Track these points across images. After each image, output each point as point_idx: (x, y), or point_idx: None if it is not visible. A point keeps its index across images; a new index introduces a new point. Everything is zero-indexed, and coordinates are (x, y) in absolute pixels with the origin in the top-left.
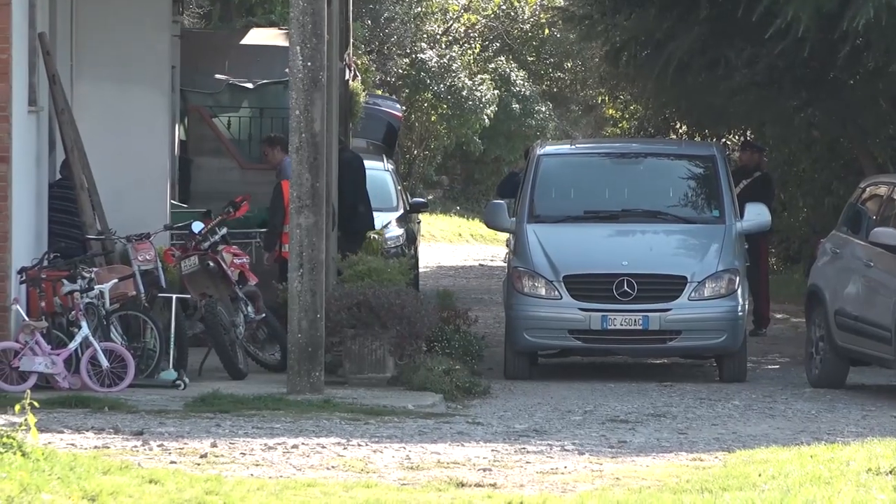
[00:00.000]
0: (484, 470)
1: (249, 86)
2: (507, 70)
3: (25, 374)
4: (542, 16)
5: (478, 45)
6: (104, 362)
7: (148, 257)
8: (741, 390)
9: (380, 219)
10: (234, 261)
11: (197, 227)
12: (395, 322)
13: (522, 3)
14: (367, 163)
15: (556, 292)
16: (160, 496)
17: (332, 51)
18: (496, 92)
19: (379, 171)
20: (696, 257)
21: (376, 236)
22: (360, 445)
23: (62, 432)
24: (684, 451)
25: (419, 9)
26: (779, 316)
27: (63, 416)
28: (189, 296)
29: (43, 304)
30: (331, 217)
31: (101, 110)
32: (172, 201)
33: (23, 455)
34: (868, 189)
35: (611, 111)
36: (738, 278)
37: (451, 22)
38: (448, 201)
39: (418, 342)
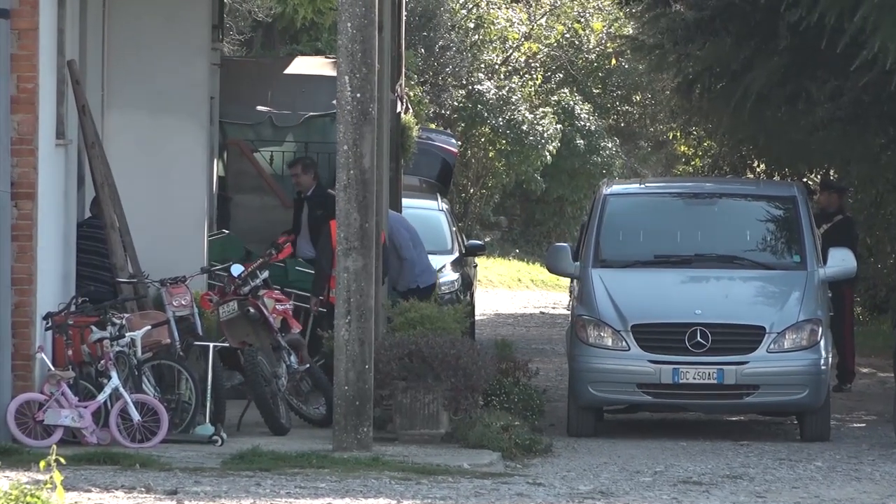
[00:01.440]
0: None
1: (294, 118)
2: (571, 103)
3: (51, 427)
4: (608, 45)
5: (539, 76)
6: (135, 416)
7: (183, 302)
8: (824, 450)
9: (434, 262)
10: (277, 307)
11: (237, 269)
12: (450, 374)
13: (588, 32)
14: (420, 202)
15: (624, 343)
16: None
17: (384, 81)
18: (559, 126)
19: (432, 212)
20: (775, 306)
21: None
22: None
23: (90, 491)
24: None
25: (476, 37)
26: (865, 370)
27: (91, 474)
28: (227, 344)
29: (70, 352)
30: (380, 261)
31: (133, 144)
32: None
33: None
34: None
35: (683, 148)
36: (820, 329)
37: (511, 51)
38: (506, 244)
39: (474, 396)
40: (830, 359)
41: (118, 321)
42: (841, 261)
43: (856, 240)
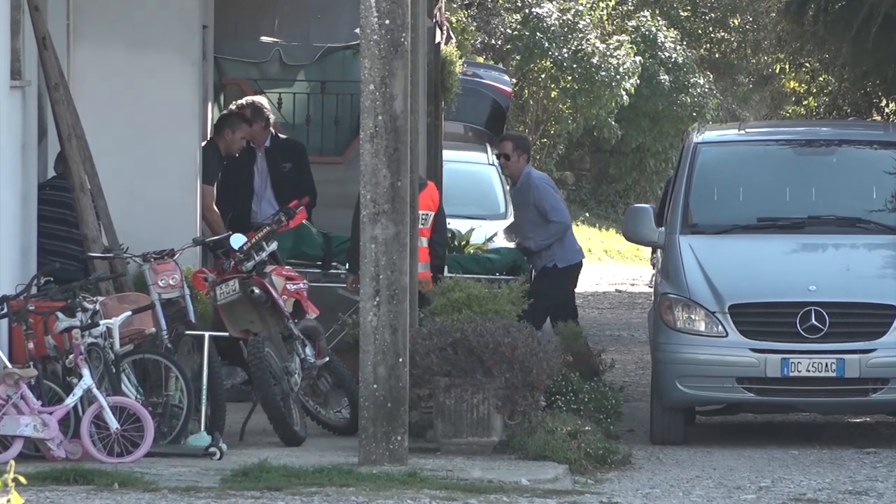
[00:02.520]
0: None
1: (307, 53)
2: (653, 29)
3: (7, 439)
4: None
5: None
6: (113, 423)
7: (171, 282)
8: None
9: (484, 229)
10: (288, 286)
11: (237, 241)
12: (504, 368)
13: None
14: (467, 154)
15: (721, 328)
16: None
17: (419, 5)
18: (638, 59)
19: (481, 166)
20: None
21: (478, 251)
22: None
23: None
24: None
25: None
26: None
27: (58, 496)
28: (227, 333)
29: (31, 345)
30: (416, 226)
31: (107, 85)
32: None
33: None
34: None
35: (792, 84)
36: None
37: None
38: (574, 205)
39: (535, 395)
40: None
41: (90, 306)
42: None
43: None
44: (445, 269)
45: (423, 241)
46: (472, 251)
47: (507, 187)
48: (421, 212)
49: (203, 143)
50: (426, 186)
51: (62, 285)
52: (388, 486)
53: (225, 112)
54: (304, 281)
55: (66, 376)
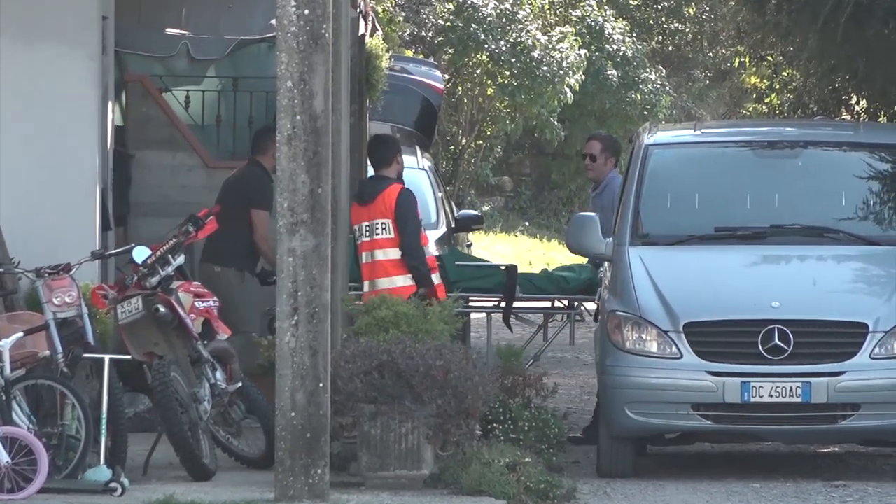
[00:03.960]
0: None
1: (217, 46)
2: (600, 20)
3: None
4: None
5: None
6: (3, 456)
7: (68, 300)
8: None
9: None
10: (197, 304)
11: (140, 254)
12: (436, 394)
13: None
14: None
15: (674, 348)
16: None
17: None
18: (583, 52)
19: (412, 171)
20: (881, 296)
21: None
22: None
23: None
24: None
25: None
26: None
27: None
28: (129, 356)
29: None
30: (342, 238)
31: None
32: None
33: None
34: None
35: (753, 79)
36: None
37: None
38: (512, 214)
39: (470, 423)
40: None
41: None
42: None
43: None
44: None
45: (389, 254)
46: (546, 269)
47: (440, 193)
48: (376, 221)
49: (245, 164)
50: (384, 190)
51: None
52: None
53: (262, 128)
54: (214, 298)
55: None
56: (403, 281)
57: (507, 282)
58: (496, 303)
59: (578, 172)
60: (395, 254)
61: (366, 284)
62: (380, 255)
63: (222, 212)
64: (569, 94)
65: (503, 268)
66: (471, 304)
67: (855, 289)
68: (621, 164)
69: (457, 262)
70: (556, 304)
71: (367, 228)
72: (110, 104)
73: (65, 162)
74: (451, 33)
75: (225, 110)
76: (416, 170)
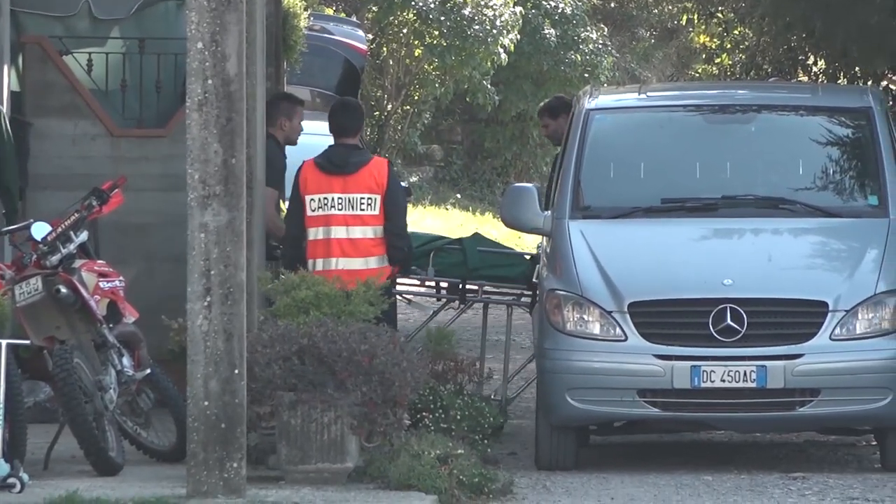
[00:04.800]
0: None
1: (122, 5)
2: None
3: None
4: None
5: None
6: None
7: None
8: None
9: None
10: (102, 284)
11: (40, 230)
12: (361, 381)
13: None
14: (314, 124)
15: (618, 330)
16: None
17: None
18: (518, 10)
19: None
20: (842, 271)
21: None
22: None
23: None
24: None
25: None
26: None
27: None
28: (28, 341)
29: None
30: (258, 211)
31: None
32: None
33: None
34: None
35: (702, 38)
36: None
37: None
38: (443, 185)
39: (397, 412)
40: None
41: None
42: None
43: None
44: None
45: (370, 232)
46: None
47: None
48: (363, 195)
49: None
50: (368, 163)
51: None
52: None
53: (272, 96)
54: (121, 278)
55: None
56: (378, 262)
57: (530, 272)
58: (517, 294)
59: (514, 140)
60: (378, 232)
61: (319, 262)
62: (357, 232)
63: None
64: (503, 56)
65: (529, 257)
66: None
67: (813, 264)
68: None
69: (479, 248)
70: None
71: (342, 201)
72: (5, 68)
73: None
74: None
75: (130, 74)
76: None
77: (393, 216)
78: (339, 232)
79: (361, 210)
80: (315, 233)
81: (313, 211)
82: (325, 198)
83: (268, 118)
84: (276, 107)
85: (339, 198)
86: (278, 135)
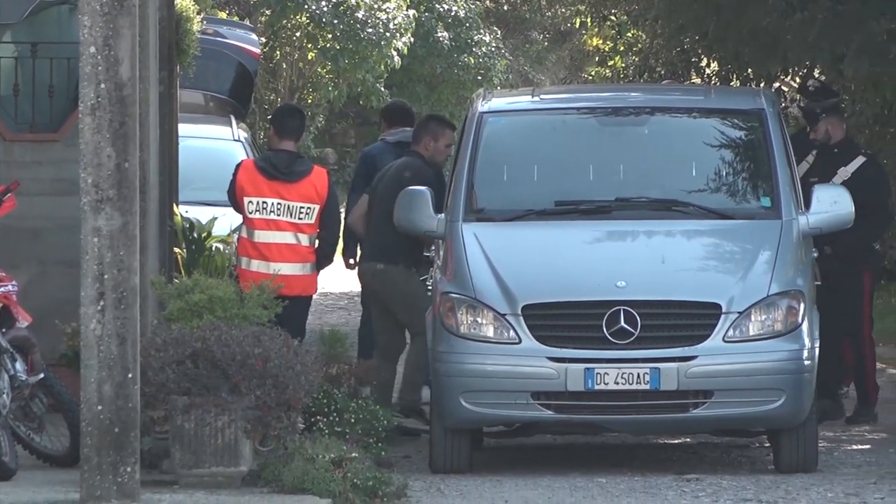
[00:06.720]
0: None
1: (14, 9)
2: None
3: None
4: None
5: None
6: None
7: None
8: (810, 486)
9: (229, 218)
10: None
11: None
12: (254, 384)
13: None
14: (207, 128)
15: (512, 333)
16: None
17: None
18: (412, 13)
19: (225, 142)
20: (735, 273)
21: (221, 246)
22: None
23: None
24: None
25: None
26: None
27: None
28: None
29: None
30: (151, 216)
31: None
32: None
33: None
34: None
35: (595, 41)
36: (802, 305)
37: None
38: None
39: (291, 416)
40: (818, 350)
41: None
42: (832, 203)
43: (882, 185)
44: None
45: (306, 240)
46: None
47: None
48: (302, 204)
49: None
50: (310, 173)
51: None
52: None
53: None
54: (13, 282)
55: None
56: (312, 269)
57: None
58: None
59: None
60: (313, 240)
61: (254, 262)
62: (291, 238)
63: (383, 206)
64: (396, 59)
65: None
66: None
67: (707, 266)
68: None
69: None
70: None
71: (280, 207)
72: None
73: None
74: None
75: (23, 79)
76: (230, 141)
77: (329, 225)
78: (276, 237)
79: (300, 219)
80: (252, 234)
81: (251, 214)
82: (263, 201)
83: (413, 136)
84: (425, 126)
85: (277, 203)
86: (423, 153)
